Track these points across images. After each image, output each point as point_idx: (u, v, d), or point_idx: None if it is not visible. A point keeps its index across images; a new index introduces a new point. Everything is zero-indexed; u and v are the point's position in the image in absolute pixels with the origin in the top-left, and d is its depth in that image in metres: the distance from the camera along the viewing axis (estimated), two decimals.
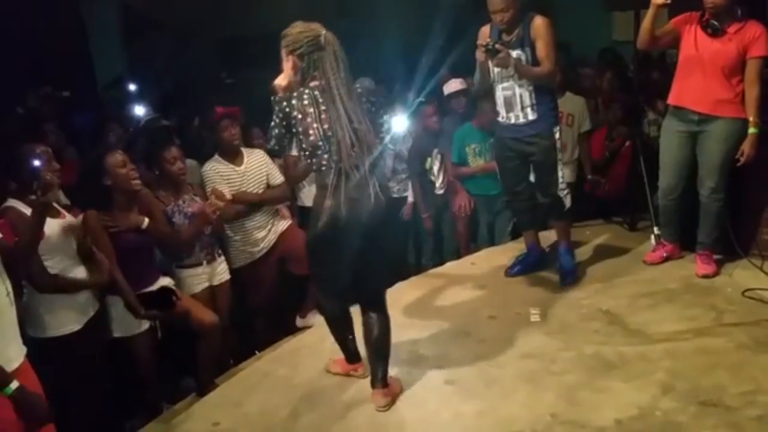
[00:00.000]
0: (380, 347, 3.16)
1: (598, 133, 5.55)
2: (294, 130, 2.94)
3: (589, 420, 2.91)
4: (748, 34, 3.88)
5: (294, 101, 2.92)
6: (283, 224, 4.62)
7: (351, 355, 3.42)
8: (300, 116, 2.92)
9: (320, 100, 2.91)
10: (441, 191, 5.46)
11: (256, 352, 4.18)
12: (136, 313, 3.56)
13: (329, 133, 2.90)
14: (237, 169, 4.42)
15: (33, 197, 2.55)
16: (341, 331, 3.37)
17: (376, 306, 3.16)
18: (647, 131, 5.48)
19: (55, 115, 5.96)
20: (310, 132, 2.92)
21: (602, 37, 7.57)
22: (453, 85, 5.56)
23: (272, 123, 2.98)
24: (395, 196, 5.01)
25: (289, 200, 4.88)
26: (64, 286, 3.26)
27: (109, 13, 9.59)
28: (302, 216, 4.98)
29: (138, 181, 3.65)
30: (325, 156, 2.92)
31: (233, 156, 4.44)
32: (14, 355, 2.35)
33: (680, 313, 3.82)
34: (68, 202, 3.88)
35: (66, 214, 3.42)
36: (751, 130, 3.94)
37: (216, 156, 4.42)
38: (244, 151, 4.52)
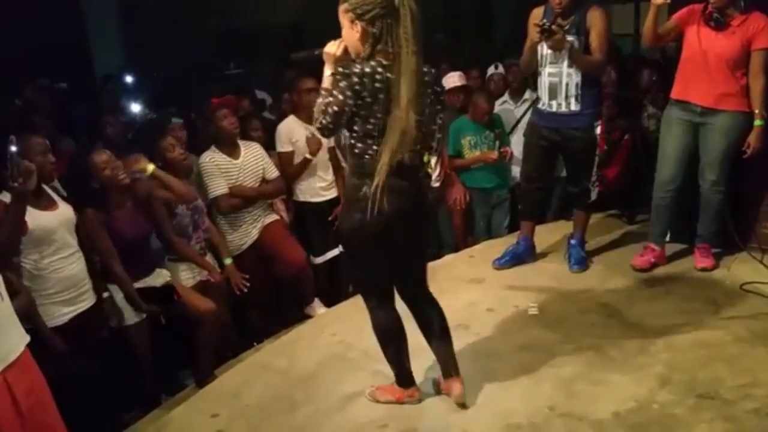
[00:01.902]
0: (448, 334, 3.00)
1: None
2: (354, 110, 2.58)
3: (586, 412, 2.91)
4: (752, 26, 3.85)
5: (366, 80, 2.52)
6: (270, 218, 4.62)
7: (407, 377, 3.04)
8: (370, 100, 2.55)
9: (389, 83, 2.54)
10: (437, 184, 5.45)
11: (255, 344, 4.19)
12: (138, 307, 3.59)
13: (389, 123, 2.56)
14: (234, 161, 4.42)
15: (14, 185, 2.47)
16: (398, 345, 2.96)
17: (426, 296, 3.00)
18: (647, 125, 5.48)
19: (51, 107, 5.96)
20: (371, 120, 2.59)
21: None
22: (452, 80, 5.55)
23: (334, 97, 2.56)
24: None
25: (284, 194, 4.87)
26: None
27: (109, 5, 9.60)
28: (298, 211, 4.99)
29: (124, 175, 3.65)
30: (375, 147, 2.61)
31: (231, 147, 4.44)
32: (13, 347, 2.31)
33: (678, 306, 3.83)
34: (65, 193, 3.89)
35: (61, 204, 3.40)
36: (757, 122, 3.92)
37: (213, 147, 4.41)
38: (241, 143, 4.51)
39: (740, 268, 4.17)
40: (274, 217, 4.67)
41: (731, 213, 4.19)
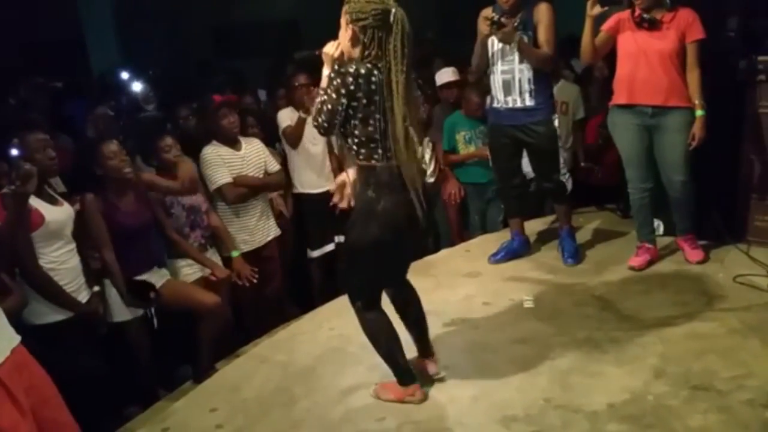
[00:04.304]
0: (424, 317, 3.14)
1: (592, 121, 5.57)
2: (351, 112, 2.64)
3: (581, 404, 2.94)
4: (683, 21, 3.89)
5: (361, 81, 2.58)
6: (272, 226, 4.67)
7: (406, 375, 3.03)
8: (365, 101, 2.61)
9: (383, 87, 2.61)
10: (431, 179, 5.47)
11: (254, 338, 4.20)
12: (123, 299, 3.62)
13: (386, 127, 2.64)
14: (237, 153, 4.44)
15: (12, 187, 2.47)
16: (391, 344, 2.96)
17: (406, 282, 3.12)
18: None
19: (46, 105, 5.96)
20: (370, 122, 2.64)
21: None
22: (446, 75, 5.56)
23: (328, 95, 2.64)
24: None
25: (284, 187, 4.89)
26: (52, 293, 3.27)
27: (104, 3, 9.60)
28: (296, 202, 5.01)
29: (129, 170, 3.69)
30: (379, 150, 2.68)
31: (231, 143, 4.46)
32: (1, 348, 2.27)
33: (672, 299, 3.85)
34: (64, 189, 3.91)
35: (64, 201, 3.45)
36: (699, 112, 3.91)
37: (214, 142, 4.43)
38: (242, 139, 4.54)
39: (734, 261, 4.20)
40: (276, 231, 4.70)
41: (724, 206, 4.19)
